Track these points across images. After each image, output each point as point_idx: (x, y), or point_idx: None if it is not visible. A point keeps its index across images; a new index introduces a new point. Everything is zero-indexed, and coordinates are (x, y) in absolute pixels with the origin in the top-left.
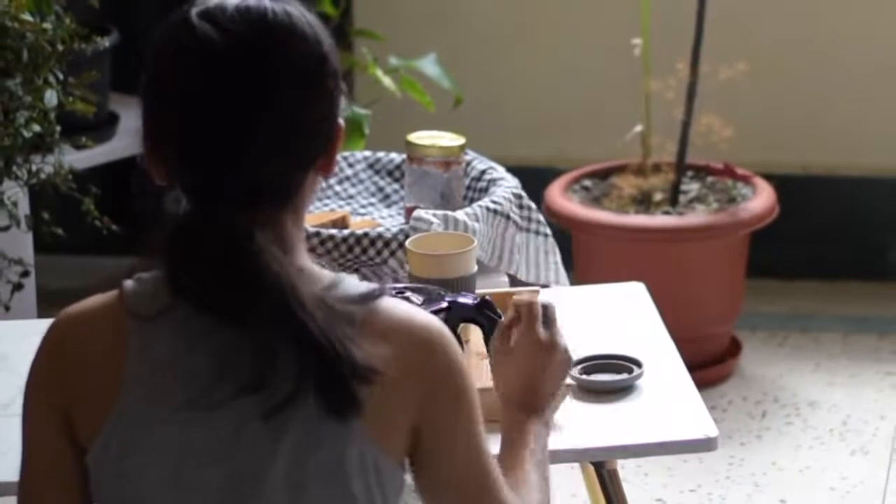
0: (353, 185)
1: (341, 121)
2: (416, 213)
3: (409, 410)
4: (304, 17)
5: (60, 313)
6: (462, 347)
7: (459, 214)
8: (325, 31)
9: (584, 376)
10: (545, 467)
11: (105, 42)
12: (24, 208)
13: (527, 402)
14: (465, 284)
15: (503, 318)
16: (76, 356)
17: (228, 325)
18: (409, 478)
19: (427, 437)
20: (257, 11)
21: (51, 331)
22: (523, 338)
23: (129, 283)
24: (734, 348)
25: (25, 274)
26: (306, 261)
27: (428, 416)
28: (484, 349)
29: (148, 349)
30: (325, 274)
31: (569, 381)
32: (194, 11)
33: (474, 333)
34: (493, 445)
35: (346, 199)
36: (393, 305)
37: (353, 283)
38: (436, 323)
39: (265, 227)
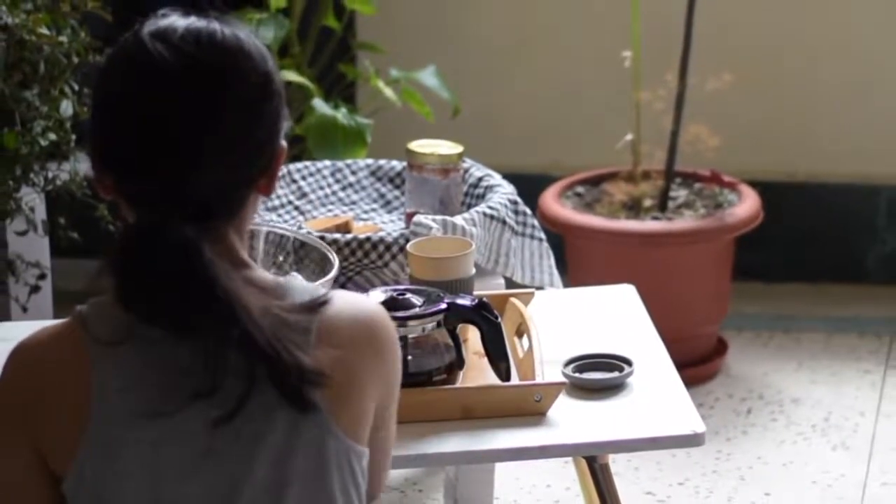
0: (356, 192)
1: (283, 142)
2: (416, 218)
3: (371, 398)
4: (251, 39)
5: (16, 347)
6: (461, 346)
7: (458, 219)
8: (269, 53)
9: (576, 375)
10: None
11: None
12: (40, 213)
13: None
14: (463, 286)
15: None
16: (37, 390)
17: (177, 336)
18: None
19: (378, 414)
20: (207, 31)
21: (8, 367)
22: None
23: (83, 310)
24: (720, 348)
25: (42, 276)
26: (251, 270)
27: (382, 397)
28: (482, 349)
29: (111, 374)
30: (272, 281)
31: (562, 379)
32: (146, 31)
33: (472, 333)
34: (495, 439)
35: (349, 205)
36: (338, 306)
37: (299, 289)
38: (378, 313)
39: (212, 241)
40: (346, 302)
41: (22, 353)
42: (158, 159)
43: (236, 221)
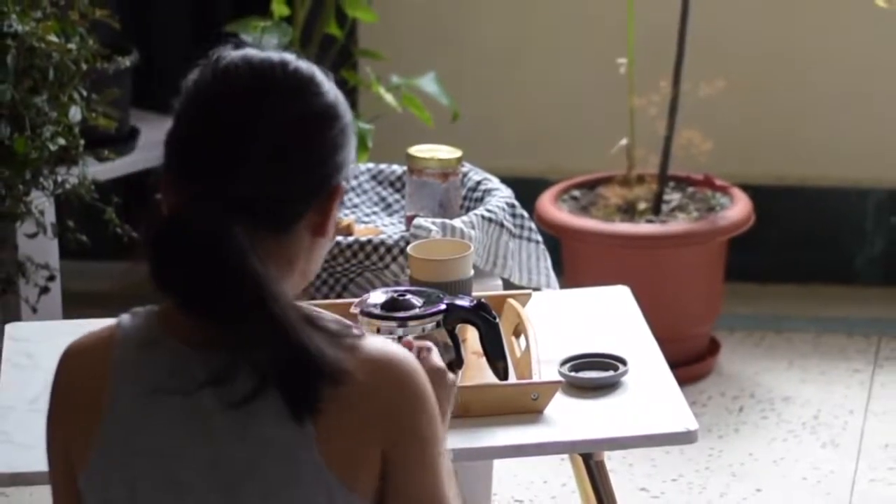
0: (358, 195)
1: (344, 183)
2: (417, 221)
3: (379, 446)
4: (329, 80)
5: (63, 351)
6: (460, 346)
7: (457, 222)
8: (345, 101)
9: (573, 374)
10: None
11: (126, 61)
12: (50, 217)
13: None
14: (462, 287)
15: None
16: (70, 392)
17: (200, 317)
18: None
19: (391, 470)
20: (283, 56)
21: (57, 366)
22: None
23: (124, 317)
24: (713, 347)
25: (52, 278)
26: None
27: (395, 451)
28: (480, 348)
29: (129, 381)
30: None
31: (559, 378)
32: (227, 51)
33: (471, 333)
34: (493, 436)
35: (351, 208)
36: (369, 342)
37: (330, 317)
38: (396, 358)
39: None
40: (374, 339)
41: (63, 357)
42: (208, 153)
43: (284, 243)
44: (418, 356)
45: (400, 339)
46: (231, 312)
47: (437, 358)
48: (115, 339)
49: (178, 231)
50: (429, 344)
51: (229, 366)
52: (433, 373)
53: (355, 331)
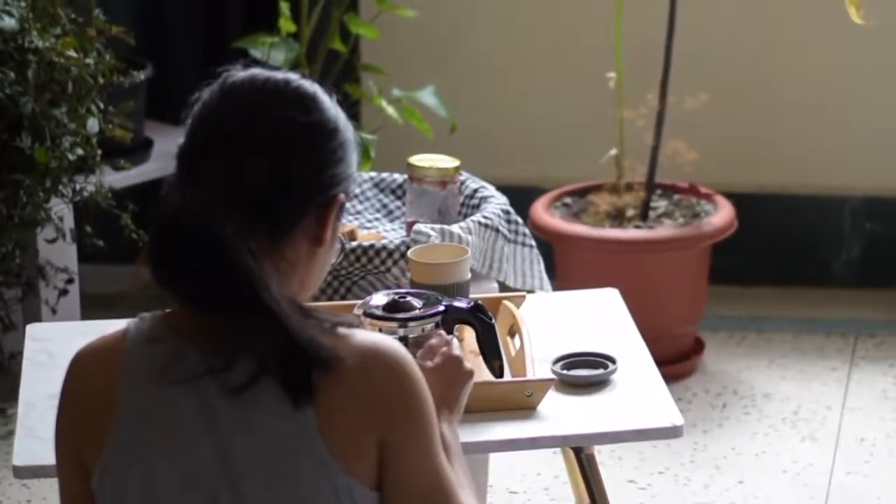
0: (361, 202)
1: (342, 196)
2: (416, 226)
3: (374, 432)
4: (332, 101)
5: (74, 355)
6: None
7: (455, 228)
8: (346, 120)
9: (564, 372)
10: (463, 462)
11: (141, 75)
12: (69, 223)
13: (441, 409)
14: (459, 290)
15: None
16: (83, 394)
17: (199, 310)
18: None
19: (388, 456)
20: (287, 75)
21: (66, 370)
22: (441, 357)
23: (133, 321)
24: (698, 347)
25: (70, 281)
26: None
27: (390, 437)
28: (477, 347)
29: (139, 381)
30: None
31: (551, 375)
32: (234, 70)
33: (468, 333)
34: (489, 431)
35: (354, 215)
36: (360, 332)
37: (325, 311)
38: (382, 347)
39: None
40: (364, 333)
41: (73, 361)
42: (209, 160)
43: (282, 249)
44: (440, 345)
45: (437, 326)
46: (226, 304)
47: (456, 348)
48: (125, 343)
49: (174, 227)
50: (449, 337)
51: (227, 356)
52: (451, 361)
53: (347, 322)
